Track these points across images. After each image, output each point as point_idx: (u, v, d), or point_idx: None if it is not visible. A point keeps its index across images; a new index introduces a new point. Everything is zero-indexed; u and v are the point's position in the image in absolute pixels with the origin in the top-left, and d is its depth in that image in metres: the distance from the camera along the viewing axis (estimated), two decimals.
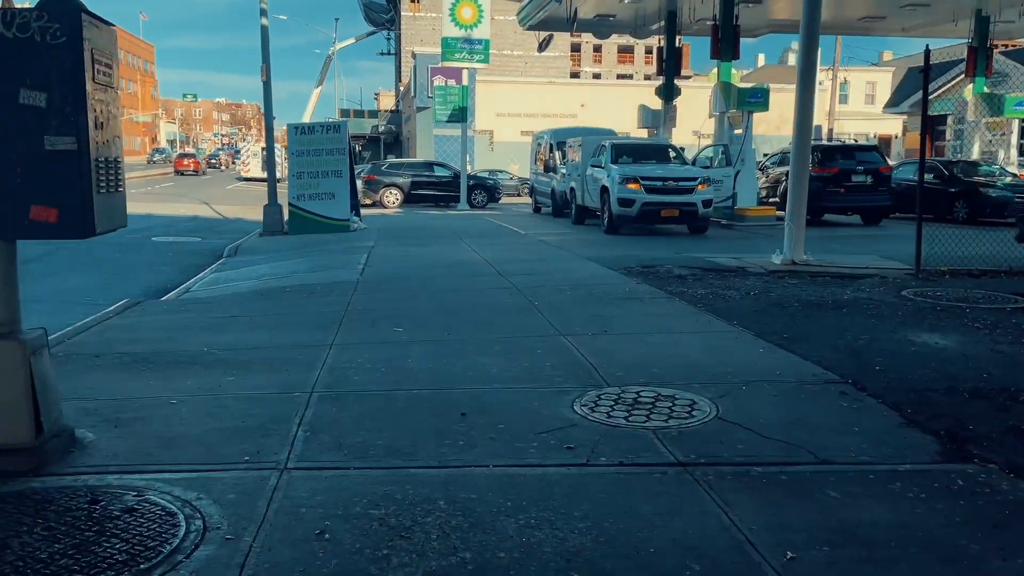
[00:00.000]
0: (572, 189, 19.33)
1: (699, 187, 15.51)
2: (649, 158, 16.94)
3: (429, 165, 30.45)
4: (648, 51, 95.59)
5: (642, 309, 7.63)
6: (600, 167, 16.82)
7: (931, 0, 20.57)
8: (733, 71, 19.40)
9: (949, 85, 31.04)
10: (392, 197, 27.67)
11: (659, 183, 15.37)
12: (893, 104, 34.83)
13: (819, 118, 46.79)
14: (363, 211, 24.30)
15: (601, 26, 24.53)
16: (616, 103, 45.56)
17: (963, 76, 30.43)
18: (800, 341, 6.25)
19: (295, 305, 8.27)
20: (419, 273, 10.43)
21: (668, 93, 22.62)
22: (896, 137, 52.00)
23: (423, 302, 8.22)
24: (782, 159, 20.46)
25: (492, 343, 6.25)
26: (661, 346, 6.17)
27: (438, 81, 41.50)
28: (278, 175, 21.46)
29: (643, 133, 24.46)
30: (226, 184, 46.37)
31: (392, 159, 42.05)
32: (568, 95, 48.51)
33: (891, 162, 20.30)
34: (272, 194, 17.57)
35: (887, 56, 61.27)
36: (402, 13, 78.11)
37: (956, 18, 22.05)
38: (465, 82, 31.35)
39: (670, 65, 22.59)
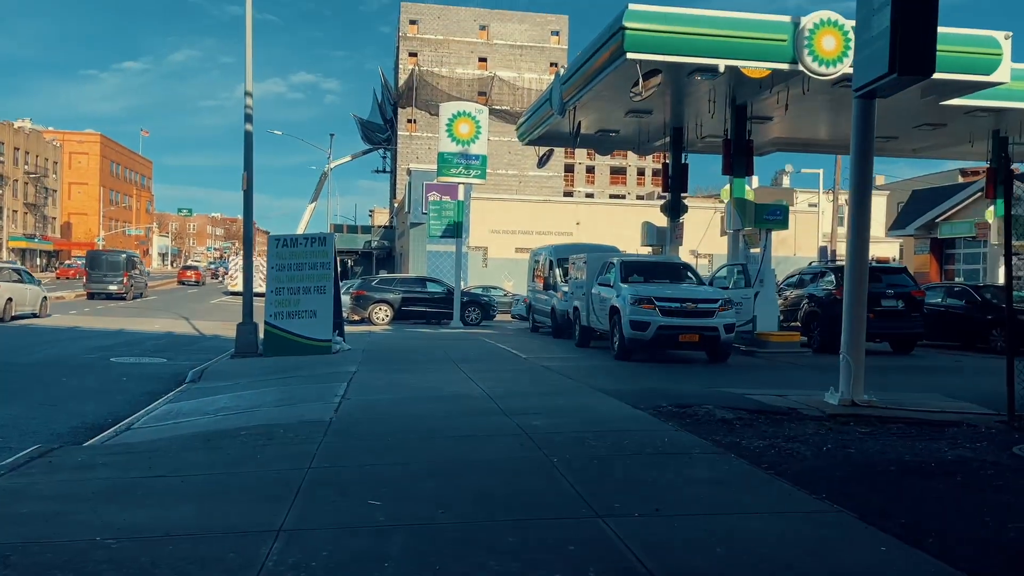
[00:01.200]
0: (576, 309, 17.82)
1: (720, 310, 13.99)
2: (662, 277, 15.51)
3: (421, 281, 29.12)
4: (640, 172, 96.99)
5: (694, 473, 5.89)
6: (608, 286, 15.36)
7: (948, 119, 19.78)
8: (747, 188, 18.31)
9: (962, 206, 30.29)
10: (382, 314, 26.14)
11: (676, 305, 13.86)
12: (899, 227, 34.09)
13: (818, 240, 46.22)
14: (351, 328, 22.69)
15: (603, 142, 23.73)
16: (611, 221, 45.00)
17: (972, 200, 29.81)
18: (928, 532, 4.51)
19: (246, 457, 6.49)
20: (406, 411, 8.69)
21: (675, 210, 21.52)
22: (893, 260, 51.42)
23: (409, 456, 6.46)
24: (799, 280, 19.14)
25: (502, 531, 4.49)
26: (738, 539, 4.42)
27: (433, 197, 40.90)
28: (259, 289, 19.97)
29: (646, 251, 23.26)
30: (212, 298, 44.89)
31: (383, 274, 40.86)
32: (563, 213, 48.03)
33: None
34: (248, 311, 15.95)
35: (880, 180, 61.63)
36: (399, 132, 79.28)
37: (972, 139, 21.28)
38: (460, 197, 30.50)
39: (676, 181, 21.59)
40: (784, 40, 14.74)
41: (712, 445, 6.76)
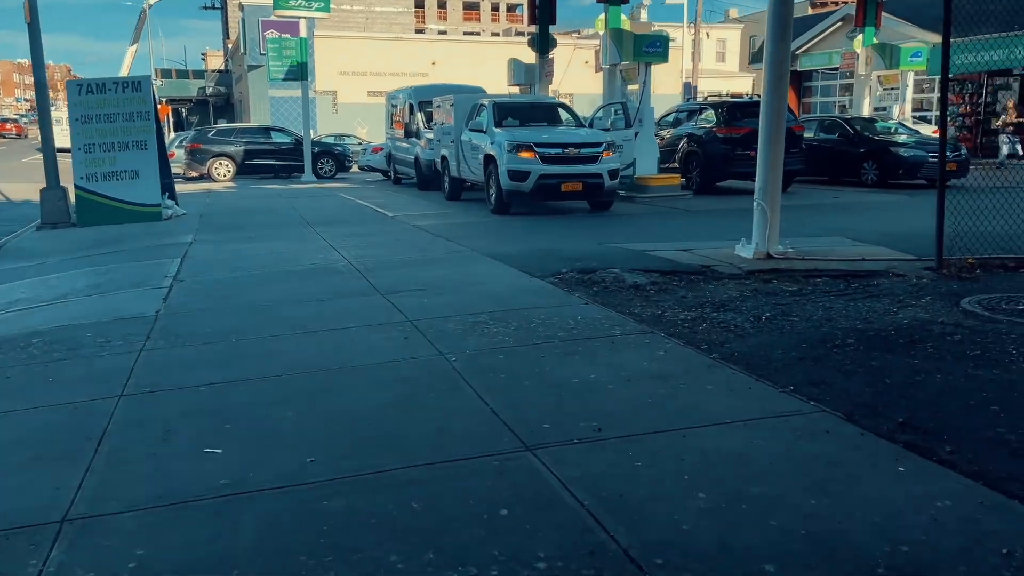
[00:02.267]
0: (444, 158, 16.16)
1: (604, 155, 12.77)
2: (539, 120, 14.04)
3: (266, 131, 26.25)
4: (495, 7, 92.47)
5: (624, 363, 4.74)
6: (481, 131, 13.75)
7: None
8: (623, 17, 16.74)
9: (819, 38, 29.97)
10: (223, 169, 23.45)
11: (558, 151, 12.50)
12: (758, 60, 33.58)
13: (681, 77, 45.59)
14: (186, 186, 20.14)
15: None
16: (471, 60, 42.44)
17: (833, 29, 29.54)
18: (938, 437, 3.57)
19: (31, 384, 4.80)
20: (254, 297, 7.07)
21: (543, 44, 19.71)
22: (747, 95, 51.92)
23: (260, 366, 4.97)
24: (675, 119, 18.16)
25: (399, 491, 3.18)
26: (720, 473, 3.31)
27: (271, 34, 36.85)
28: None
29: (515, 91, 21.55)
30: (24, 156, 39.64)
31: (222, 124, 37.12)
32: (418, 52, 44.86)
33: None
34: (52, 173, 13.30)
35: (734, 13, 61.28)
36: None
37: None
38: (303, 34, 27.17)
39: (544, 13, 19.67)
40: None
41: (634, 322, 5.64)
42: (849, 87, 26.72)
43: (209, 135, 24.77)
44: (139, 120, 12.96)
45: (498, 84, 22.94)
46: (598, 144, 12.82)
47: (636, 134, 15.42)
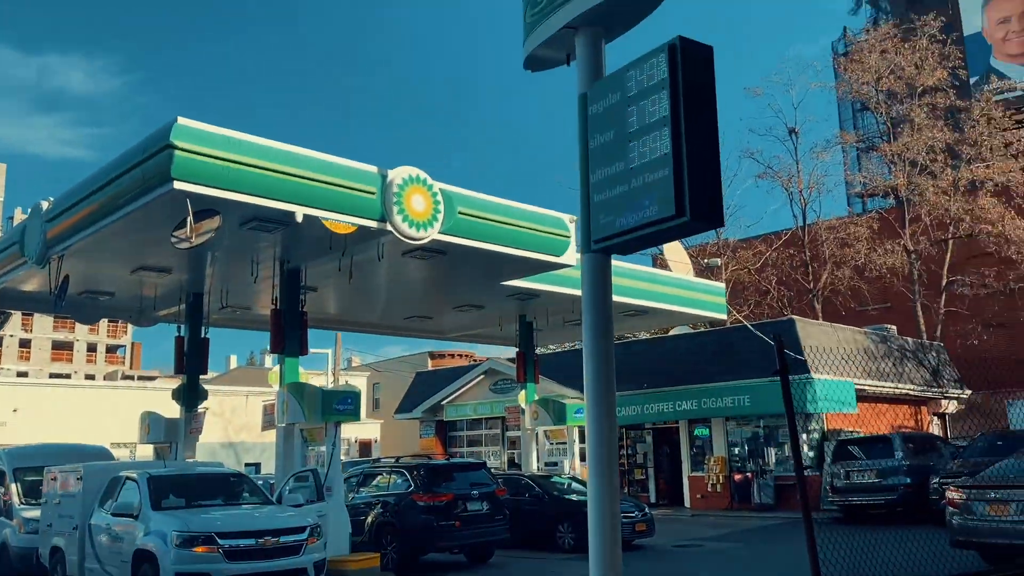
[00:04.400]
0: (56, 550, 11.76)
1: (309, 542, 9.95)
2: (212, 496, 10.87)
3: None
4: (91, 347, 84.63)
5: None
6: (128, 516, 10.13)
7: (488, 302, 19.32)
8: (301, 370, 14.78)
9: (462, 391, 30.75)
10: None
11: (250, 541, 9.42)
12: (406, 410, 33.40)
13: None
14: None
15: (88, 308, 17.95)
16: (71, 409, 36.20)
17: (475, 383, 30.60)
18: None
19: None
20: None
21: (191, 396, 16.79)
22: (376, 442, 51.55)
23: None
24: (361, 481, 15.88)
25: None
26: None
27: None
28: None
29: (149, 451, 17.76)
30: None
31: None
32: None
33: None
34: None
35: (356, 360, 62.74)
36: None
37: (501, 323, 21.26)
38: None
39: (194, 359, 17.01)
40: (373, 193, 12.20)
41: None
42: (515, 440, 27.25)
43: None
44: None
45: (123, 439, 18.92)
46: (301, 529, 10.02)
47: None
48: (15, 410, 36.43)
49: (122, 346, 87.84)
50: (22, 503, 14.02)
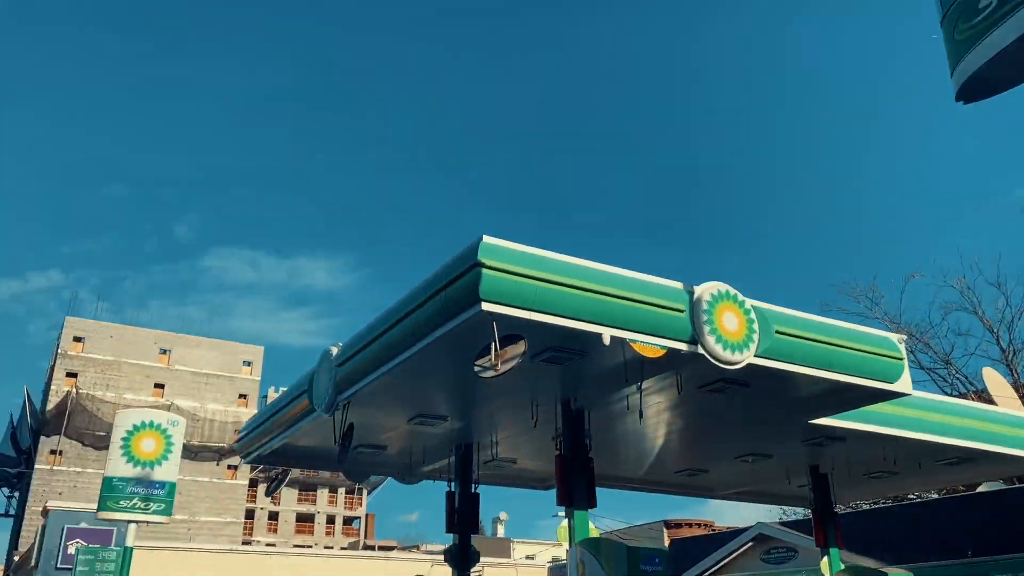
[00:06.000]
0: None
1: None
2: None
3: None
4: (330, 519, 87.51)
5: None
6: None
7: (775, 449, 16.80)
8: (591, 525, 13.06)
9: (725, 562, 27.38)
10: None
11: None
12: None
13: None
14: None
15: (363, 465, 17.53)
16: None
17: (739, 551, 27.18)
18: None
19: None
20: None
21: (464, 558, 15.47)
22: None
23: None
24: None
25: None
26: None
27: (77, 544, 30.45)
28: None
29: None
30: None
31: None
32: (254, 566, 38.52)
33: None
34: None
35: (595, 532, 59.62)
36: (37, 466, 64.74)
37: (789, 476, 18.50)
38: (129, 543, 21.33)
39: (465, 517, 15.81)
40: (682, 311, 10.72)
41: None
42: None
43: None
44: None
45: None
46: None
47: None
48: None
49: (357, 518, 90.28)
50: None
